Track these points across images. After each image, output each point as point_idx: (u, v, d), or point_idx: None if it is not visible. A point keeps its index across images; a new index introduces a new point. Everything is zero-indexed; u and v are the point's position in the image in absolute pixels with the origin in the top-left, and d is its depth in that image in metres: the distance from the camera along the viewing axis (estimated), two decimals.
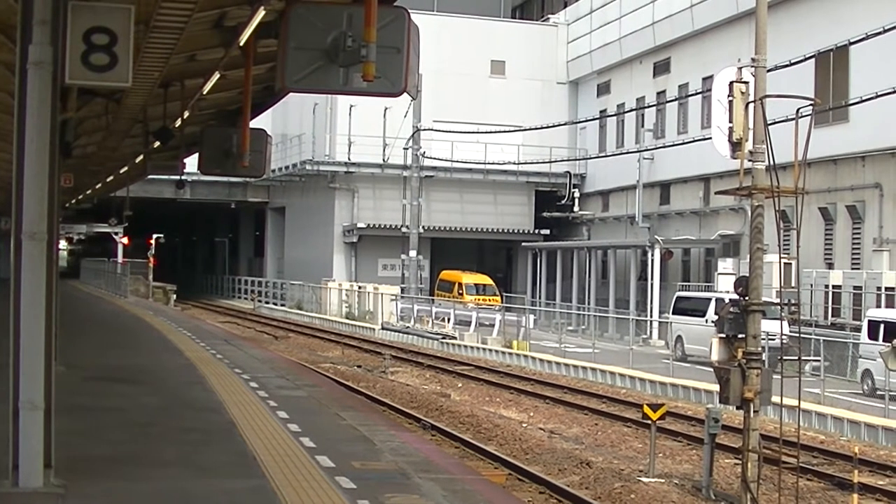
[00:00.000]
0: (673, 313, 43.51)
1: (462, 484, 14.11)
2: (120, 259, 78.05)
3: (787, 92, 20.07)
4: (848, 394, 31.50)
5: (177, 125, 24.27)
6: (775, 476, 18.79)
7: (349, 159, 65.55)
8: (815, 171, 41.14)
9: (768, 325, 23.55)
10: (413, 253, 59.83)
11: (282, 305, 71.22)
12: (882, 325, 31.77)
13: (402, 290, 60.29)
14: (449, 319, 51.40)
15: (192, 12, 14.45)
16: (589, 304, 57.84)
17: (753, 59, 19.09)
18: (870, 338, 32.35)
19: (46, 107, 11.28)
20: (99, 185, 48.42)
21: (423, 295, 59.59)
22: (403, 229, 62.38)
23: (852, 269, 41.77)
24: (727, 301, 20.69)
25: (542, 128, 61.76)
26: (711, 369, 20.44)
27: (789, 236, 32.09)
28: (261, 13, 14.15)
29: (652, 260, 51.98)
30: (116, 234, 78.52)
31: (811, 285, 40.88)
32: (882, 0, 40.96)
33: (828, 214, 43.78)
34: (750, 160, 19.00)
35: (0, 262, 36.02)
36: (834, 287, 40.53)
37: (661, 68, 58.35)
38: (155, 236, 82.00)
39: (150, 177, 43.52)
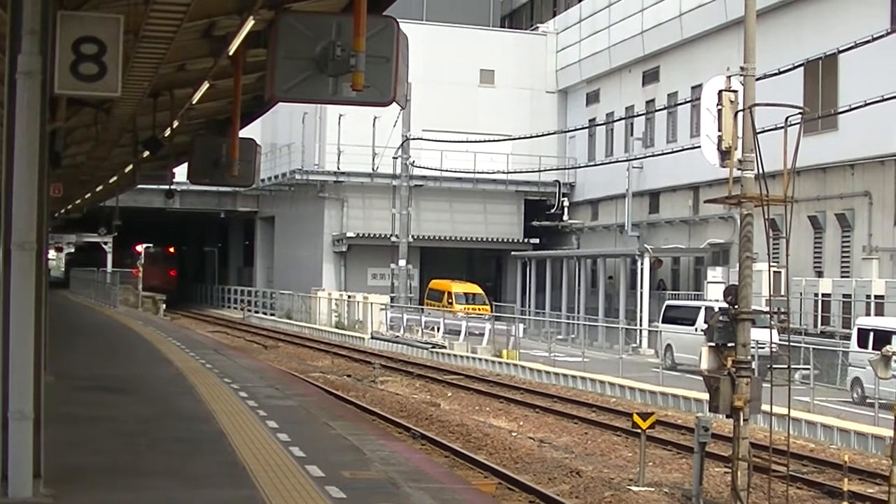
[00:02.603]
0: (662, 322, 43.54)
1: (452, 493, 14.11)
2: (109, 269, 78.00)
3: (777, 100, 20.09)
4: (837, 402, 31.51)
5: (166, 135, 24.27)
6: (765, 485, 18.79)
7: (338, 168, 65.53)
8: (805, 179, 41.24)
9: (758, 334, 23.60)
10: (402, 262, 59.81)
11: (271, 315, 71.16)
12: (871, 333, 31.80)
13: (392, 299, 60.25)
14: (438, 329, 51.40)
15: (181, 22, 14.46)
16: (578, 312, 57.83)
17: (742, 68, 19.13)
18: (859, 346, 32.38)
19: (35, 116, 11.27)
20: (88, 195, 48.36)
21: (412, 304, 59.56)
22: (393, 238, 62.36)
23: (842, 277, 41.82)
24: (717, 310, 20.71)
25: (531, 137, 61.84)
26: (701, 378, 20.43)
27: (779, 245, 32.14)
28: (250, 23, 14.16)
29: (641, 269, 52.00)
30: (105, 243, 78.52)
31: (801, 294, 40.90)
32: (870, 8, 41.10)
33: (817, 223, 43.84)
34: (739, 169, 19.02)
35: None
36: (823, 295, 40.57)
37: (650, 77, 58.44)
38: (144, 245, 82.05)
39: (140, 186, 43.48)
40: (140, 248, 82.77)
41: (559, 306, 60.32)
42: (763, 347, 28.30)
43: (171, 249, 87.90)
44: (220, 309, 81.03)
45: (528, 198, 68.41)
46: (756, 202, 18.62)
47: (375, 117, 62.12)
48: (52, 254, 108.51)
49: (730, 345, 18.74)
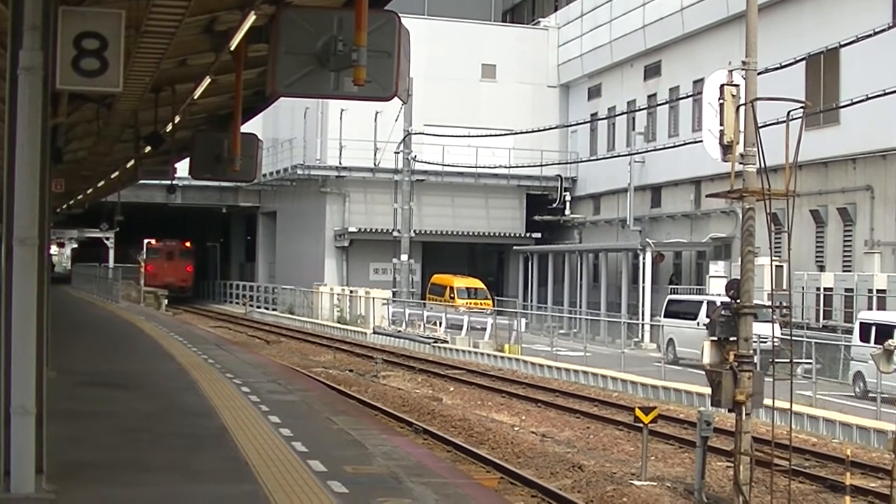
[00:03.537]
0: (664, 316, 43.51)
1: (454, 488, 14.12)
2: (111, 264, 77.94)
3: (778, 94, 20.07)
4: (839, 396, 31.51)
5: (168, 130, 24.32)
6: (767, 479, 18.80)
7: (340, 163, 65.50)
8: (806, 173, 41.21)
9: (760, 328, 23.59)
10: (404, 257, 59.80)
11: (273, 310, 71.15)
12: (873, 327, 31.80)
13: (394, 294, 60.26)
14: (440, 323, 51.38)
15: (182, 17, 14.47)
16: (580, 307, 57.80)
17: (744, 62, 19.10)
18: (861, 340, 32.38)
19: (37, 112, 11.27)
20: (90, 190, 48.42)
21: (414, 299, 59.56)
22: (395, 233, 62.40)
23: (844, 271, 41.80)
24: (719, 304, 20.69)
25: (533, 131, 61.79)
26: (703, 372, 20.43)
27: (780, 239, 32.10)
28: (251, 18, 14.17)
29: (643, 263, 51.99)
30: (107, 239, 78.51)
31: (803, 288, 40.95)
32: (871, 3, 41.08)
33: (819, 217, 43.83)
34: (741, 163, 19.00)
35: None
36: (825, 289, 40.58)
37: (652, 71, 58.40)
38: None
39: (142, 182, 43.49)
40: (154, 242, 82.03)
41: (561, 301, 60.32)
42: (765, 342, 28.31)
43: (188, 243, 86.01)
44: (221, 304, 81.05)
45: (529, 192, 68.37)
46: (758, 196, 18.59)
47: (377, 112, 62.11)
48: (55, 249, 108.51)
49: (732, 339, 18.72)
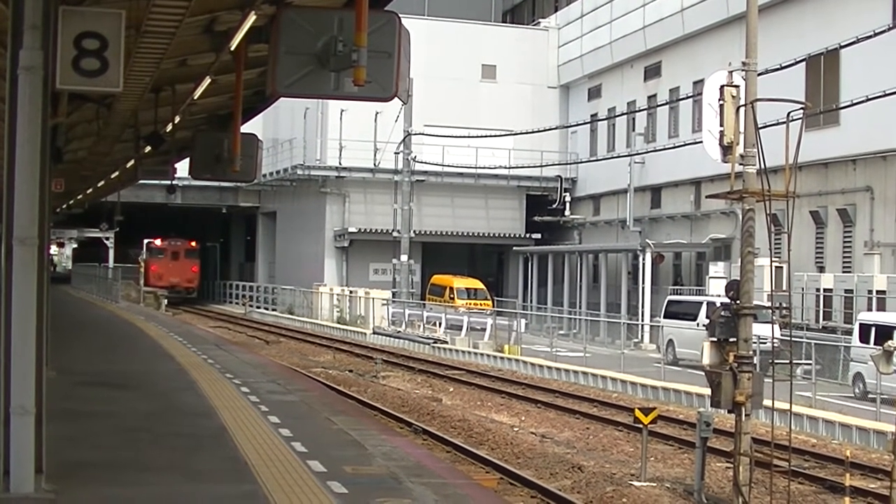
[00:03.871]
0: (664, 317, 43.52)
1: (453, 488, 14.12)
2: (111, 264, 77.85)
3: (778, 95, 20.06)
4: (839, 397, 31.51)
5: (168, 130, 24.32)
6: (767, 480, 18.80)
7: (340, 164, 65.50)
8: (806, 174, 41.20)
9: (759, 329, 23.59)
10: (404, 257, 59.79)
11: (273, 310, 71.14)
12: (873, 328, 31.79)
13: (394, 294, 60.25)
14: (440, 324, 51.38)
15: (182, 17, 14.47)
16: (580, 308, 57.79)
17: (744, 63, 19.10)
18: (861, 341, 32.38)
19: (37, 112, 11.27)
20: (90, 190, 48.40)
21: (414, 299, 59.55)
22: (395, 234, 62.40)
23: (843, 272, 41.79)
24: (718, 305, 20.68)
25: (533, 132, 61.82)
26: (703, 373, 20.43)
27: (780, 240, 32.08)
28: (251, 18, 14.17)
29: (643, 264, 51.98)
30: (107, 239, 78.52)
31: (802, 289, 40.94)
32: (872, 3, 41.08)
33: (819, 218, 43.81)
34: (741, 164, 19.00)
35: None
36: (825, 290, 40.57)
37: (652, 72, 58.40)
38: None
39: (141, 182, 43.48)
40: (157, 241, 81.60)
41: (561, 301, 60.30)
42: (765, 342, 28.31)
43: (193, 243, 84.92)
44: (221, 304, 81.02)
45: (529, 193, 68.36)
46: (758, 197, 18.59)
47: (377, 112, 62.09)
48: (55, 249, 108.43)
49: (731, 340, 18.72)
